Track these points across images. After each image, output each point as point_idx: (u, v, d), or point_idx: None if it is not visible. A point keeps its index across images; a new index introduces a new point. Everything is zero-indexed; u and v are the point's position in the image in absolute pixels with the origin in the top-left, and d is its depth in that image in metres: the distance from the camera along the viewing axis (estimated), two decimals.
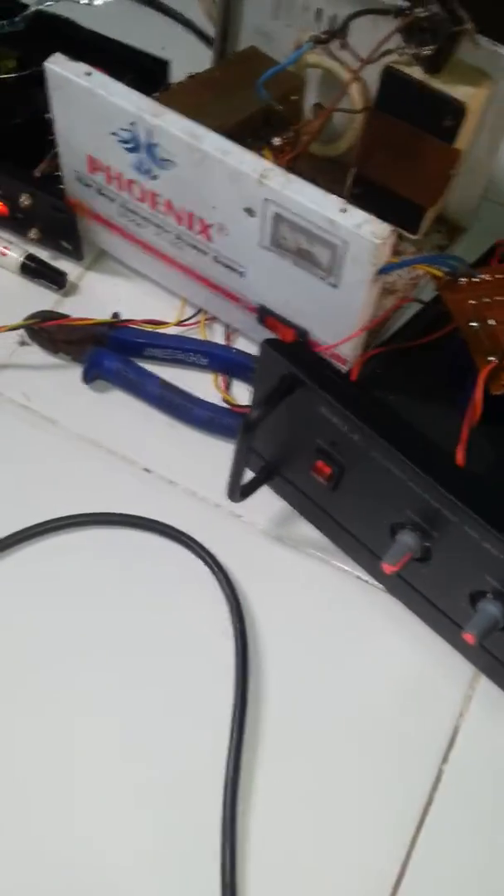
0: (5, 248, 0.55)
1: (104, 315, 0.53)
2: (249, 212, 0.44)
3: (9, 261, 0.55)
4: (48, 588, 0.45)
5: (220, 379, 0.52)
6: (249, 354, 0.52)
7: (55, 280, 0.55)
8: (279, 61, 0.52)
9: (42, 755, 0.41)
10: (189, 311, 0.54)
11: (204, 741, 0.41)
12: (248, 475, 0.46)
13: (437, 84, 0.46)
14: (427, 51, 0.45)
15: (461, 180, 0.50)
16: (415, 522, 0.39)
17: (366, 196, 0.50)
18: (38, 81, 0.52)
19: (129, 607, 0.45)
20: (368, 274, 0.42)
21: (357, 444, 0.40)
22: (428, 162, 0.49)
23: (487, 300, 0.44)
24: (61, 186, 0.54)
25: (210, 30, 0.62)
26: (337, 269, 0.43)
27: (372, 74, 0.49)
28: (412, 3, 0.45)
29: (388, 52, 0.47)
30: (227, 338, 0.54)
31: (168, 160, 0.46)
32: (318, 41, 0.48)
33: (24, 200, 0.54)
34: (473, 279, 0.45)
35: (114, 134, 0.47)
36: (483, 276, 0.45)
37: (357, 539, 0.44)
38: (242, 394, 0.52)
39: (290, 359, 0.40)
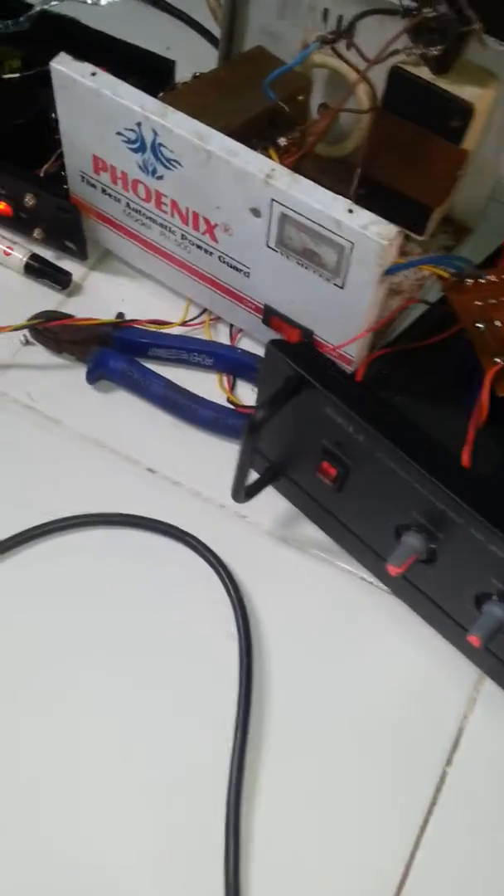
0: (9, 247, 0.55)
1: (108, 315, 0.53)
2: (255, 212, 0.44)
3: (13, 260, 0.55)
4: (52, 588, 0.45)
5: (225, 379, 0.52)
6: (254, 355, 0.52)
7: (59, 280, 0.55)
8: (285, 61, 0.52)
9: (45, 755, 0.40)
10: (194, 312, 0.54)
11: (208, 741, 0.41)
12: (253, 476, 0.46)
13: (444, 84, 0.46)
14: (435, 51, 0.45)
15: (468, 181, 0.50)
16: (420, 524, 0.39)
17: (372, 196, 0.50)
18: (42, 81, 0.52)
19: (132, 608, 0.45)
20: (375, 275, 0.42)
21: (362, 445, 0.39)
22: (435, 163, 0.48)
23: (494, 301, 0.44)
24: (66, 186, 0.54)
25: (215, 29, 0.62)
26: (343, 269, 0.43)
27: (379, 74, 0.48)
28: (420, 3, 0.45)
29: (396, 52, 0.46)
30: (232, 338, 0.54)
31: (173, 160, 0.46)
32: (325, 41, 0.48)
33: (29, 200, 0.54)
34: (480, 280, 0.44)
35: (119, 134, 0.47)
36: (490, 277, 0.45)
37: (362, 540, 0.44)
38: (247, 394, 0.52)
39: (296, 360, 0.40)
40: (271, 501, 0.48)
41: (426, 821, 0.40)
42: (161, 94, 0.49)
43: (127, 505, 0.47)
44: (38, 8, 0.59)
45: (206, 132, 0.44)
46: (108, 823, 0.39)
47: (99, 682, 0.42)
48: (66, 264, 0.55)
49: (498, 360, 0.41)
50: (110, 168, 0.49)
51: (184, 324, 0.53)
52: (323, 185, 0.42)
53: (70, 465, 0.49)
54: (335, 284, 0.44)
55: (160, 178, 0.47)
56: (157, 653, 0.44)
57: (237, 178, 0.43)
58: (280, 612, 0.45)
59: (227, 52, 0.58)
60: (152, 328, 0.52)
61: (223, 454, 0.49)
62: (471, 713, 0.43)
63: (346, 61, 0.49)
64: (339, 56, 0.49)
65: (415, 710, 0.43)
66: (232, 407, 0.50)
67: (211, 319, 0.54)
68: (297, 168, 0.45)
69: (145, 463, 0.49)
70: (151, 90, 0.46)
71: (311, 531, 0.48)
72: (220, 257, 0.49)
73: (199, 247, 0.49)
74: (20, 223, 0.55)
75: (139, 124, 0.45)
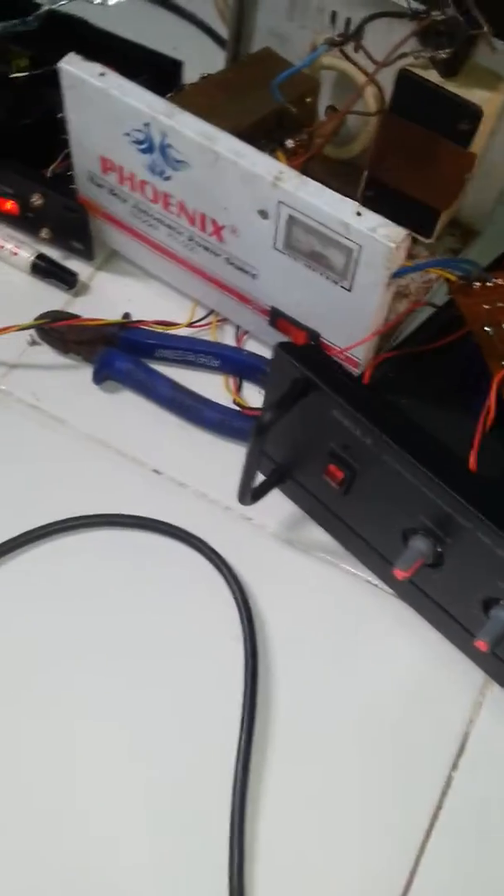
0: (16, 247, 0.55)
1: (115, 315, 0.53)
2: (263, 214, 0.44)
3: (20, 260, 0.55)
4: (55, 590, 0.45)
5: (231, 381, 0.52)
6: (261, 357, 0.52)
7: (66, 280, 0.55)
8: (293, 63, 0.52)
9: (49, 756, 0.40)
10: (200, 313, 0.54)
11: (213, 743, 0.41)
12: (259, 478, 0.45)
13: (452, 88, 0.46)
14: (443, 54, 0.45)
15: (476, 184, 0.50)
16: (427, 528, 0.39)
17: (379, 199, 0.50)
18: (50, 81, 0.52)
19: (137, 609, 0.45)
20: (382, 277, 0.42)
21: (370, 448, 0.39)
22: (443, 165, 0.48)
23: (501, 305, 0.44)
24: (73, 186, 0.54)
25: (222, 30, 0.62)
26: (351, 272, 0.43)
27: (387, 77, 0.48)
28: (429, 5, 0.45)
29: (404, 54, 0.46)
30: (239, 340, 0.53)
31: (181, 161, 0.46)
32: (334, 44, 0.48)
33: (36, 200, 0.54)
34: (487, 283, 0.44)
35: (127, 134, 0.47)
36: (497, 280, 0.45)
37: (368, 544, 0.44)
38: (253, 396, 0.52)
39: (303, 362, 0.40)
40: (277, 504, 0.48)
41: (431, 826, 0.40)
42: (169, 95, 0.49)
43: (132, 506, 0.47)
44: (45, 7, 0.59)
45: (214, 133, 0.44)
46: (111, 825, 0.39)
47: (102, 684, 0.42)
48: (73, 264, 0.55)
49: None
50: (118, 168, 0.49)
51: (190, 325, 0.53)
52: (330, 187, 0.42)
53: (75, 466, 0.49)
54: (342, 287, 0.44)
55: (168, 179, 0.47)
56: (161, 654, 0.43)
57: (245, 180, 0.43)
58: (285, 614, 0.45)
59: (234, 53, 0.58)
60: (159, 329, 0.52)
61: (229, 456, 0.49)
62: (476, 717, 0.43)
63: (355, 64, 0.49)
64: (348, 58, 0.49)
65: (420, 713, 0.43)
66: (238, 409, 0.50)
67: (217, 321, 0.54)
68: (304, 170, 0.44)
69: (151, 464, 0.49)
70: (159, 91, 0.46)
71: (317, 534, 0.47)
72: (227, 259, 0.49)
73: (206, 248, 0.49)
74: (27, 223, 0.55)
75: (147, 125, 0.45)
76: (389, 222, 0.41)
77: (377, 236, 0.40)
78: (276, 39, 0.56)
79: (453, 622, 0.42)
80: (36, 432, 0.50)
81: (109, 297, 0.55)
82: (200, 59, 0.59)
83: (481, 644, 0.38)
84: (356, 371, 0.47)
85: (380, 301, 0.43)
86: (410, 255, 0.46)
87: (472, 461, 0.39)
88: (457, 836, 0.40)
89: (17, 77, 0.59)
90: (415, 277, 0.52)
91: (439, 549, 0.39)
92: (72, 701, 0.42)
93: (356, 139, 0.54)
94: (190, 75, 0.58)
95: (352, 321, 0.45)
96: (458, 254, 0.55)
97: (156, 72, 0.56)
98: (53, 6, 0.59)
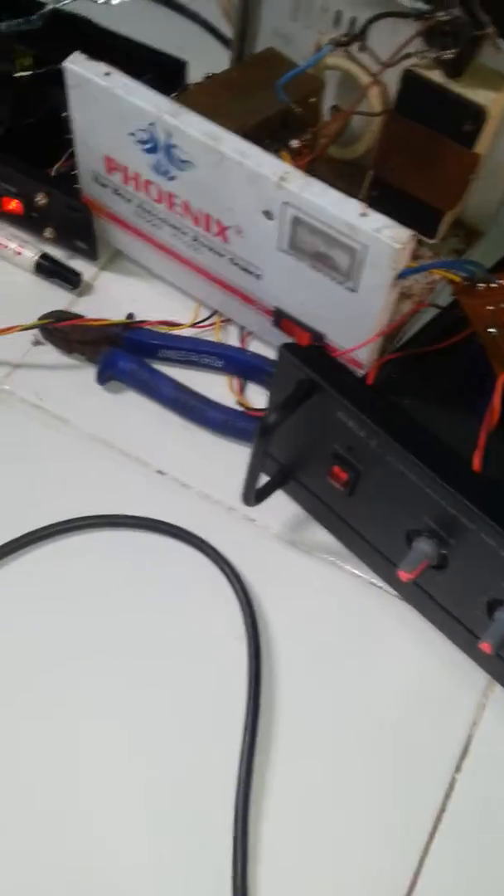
0: (20, 247, 0.55)
1: (118, 315, 0.53)
2: (267, 214, 0.44)
3: (23, 260, 0.55)
4: (59, 590, 0.45)
5: (235, 382, 0.52)
6: (264, 357, 0.52)
7: (70, 280, 0.55)
8: (297, 63, 0.52)
9: (52, 756, 0.40)
10: (204, 313, 0.54)
11: (216, 744, 0.41)
12: (263, 479, 0.45)
13: (457, 88, 0.46)
14: (448, 54, 0.45)
15: (480, 184, 0.50)
16: (432, 529, 0.39)
17: (383, 199, 0.50)
18: (54, 80, 0.52)
19: (140, 610, 0.45)
20: (387, 278, 0.42)
21: (374, 450, 0.39)
22: (447, 166, 0.48)
23: None
24: (77, 186, 0.54)
25: (226, 30, 0.62)
26: (355, 273, 0.43)
27: (391, 77, 0.48)
28: (433, 6, 0.45)
29: (409, 55, 0.46)
30: (242, 340, 0.53)
31: (186, 161, 0.45)
32: (339, 44, 0.48)
33: (40, 199, 0.54)
34: (491, 285, 0.44)
35: (132, 134, 0.47)
36: (501, 281, 0.44)
37: (372, 545, 0.44)
38: (257, 397, 0.52)
39: (309, 363, 0.40)
40: (280, 505, 0.48)
41: (435, 828, 0.40)
42: (173, 95, 0.49)
43: (135, 506, 0.47)
44: (50, 6, 0.59)
45: (220, 133, 0.44)
46: (114, 826, 0.39)
47: (105, 685, 0.42)
48: (77, 264, 0.55)
49: None
50: (122, 168, 0.49)
51: (194, 325, 0.53)
52: (334, 188, 0.42)
53: (78, 466, 0.49)
54: (347, 288, 0.44)
55: (172, 179, 0.47)
56: (164, 655, 0.43)
57: (250, 180, 0.43)
58: (288, 615, 0.45)
59: (239, 53, 0.58)
60: (162, 329, 0.52)
61: (232, 456, 0.48)
62: (480, 719, 0.43)
63: (360, 64, 0.49)
64: (352, 58, 0.49)
65: (423, 715, 0.43)
66: (241, 409, 0.50)
67: (221, 321, 0.54)
68: (308, 170, 0.44)
69: (154, 465, 0.49)
70: (163, 90, 0.46)
71: (320, 535, 0.47)
72: (231, 259, 0.49)
73: (210, 248, 0.49)
74: (31, 222, 0.55)
75: (152, 125, 0.45)
76: (395, 223, 0.41)
77: (382, 237, 0.40)
78: (280, 39, 0.56)
79: (457, 624, 0.42)
80: (39, 432, 0.50)
81: (113, 297, 0.55)
82: (204, 59, 0.59)
83: (485, 646, 0.38)
84: (360, 372, 0.47)
85: (384, 302, 0.43)
86: (414, 256, 0.46)
87: (477, 462, 0.39)
88: (460, 838, 0.40)
89: (21, 76, 0.59)
90: (418, 278, 0.52)
91: (443, 551, 0.39)
92: (75, 701, 0.42)
93: (360, 139, 0.54)
94: (194, 75, 0.58)
95: (356, 322, 0.45)
96: (462, 255, 0.55)
97: (160, 71, 0.56)
98: (57, 5, 0.59)
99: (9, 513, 0.47)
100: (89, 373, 0.51)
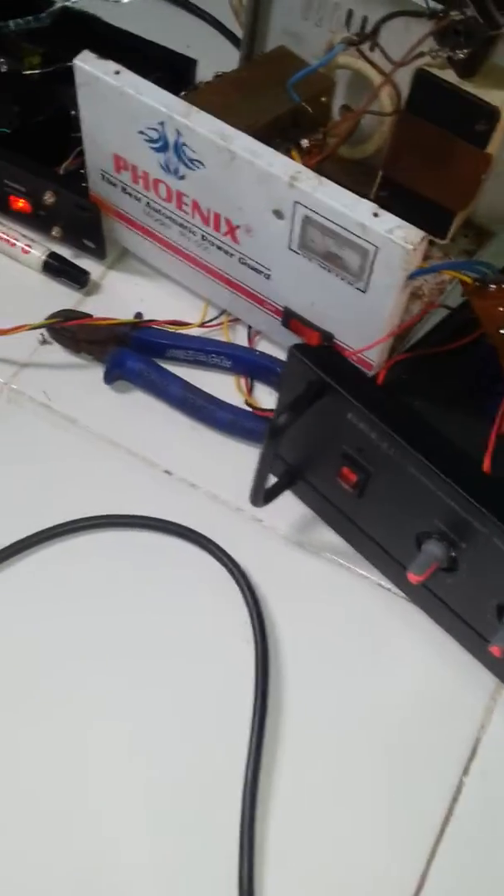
0: (27, 245, 0.55)
1: (126, 315, 0.53)
2: (278, 214, 0.44)
3: (31, 259, 0.55)
4: (66, 590, 0.45)
5: (243, 381, 0.52)
6: (273, 357, 0.51)
7: (77, 279, 0.55)
8: (308, 62, 0.52)
9: (60, 757, 0.40)
10: (212, 313, 0.54)
11: (223, 745, 0.41)
12: (270, 479, 0.45)
13: (470, 88, 0.46)
14: (461, 54, 0.45)
15: (491, 185, 0.50)
16: (442, 532, 0.39)
17: (393, 199, 0.49)
18: (62, 78, 0.52)
19: (147, 611, 0.44)
20: (399, 279, 0.42)
21: (385, 451, 0.39)
22: (459, 166, 0.48)
23: None
24: (85, 184, 0.53)
25: (236, 28, 0.62)
26: (366, 273, 0.42)
27: (403, 77, 0.48)
28: (447, 5, 0.45)
29: (421, 54, 0.46)
30: (251, 340, 0.53)
31: (196, 160, 0.45)
32: (351, 43, 0.47)
33: (48, 198, 0.53)
34: (503, 286, 0.44)
35: (141, 133, 0.46)
36: None
37: (381, 547, 0.44)
38: (265, 397, 0.52)
39: (319, 364, 0.40)
40: (288, 505, 0.47)
41: (442, 831, 0.40)
42: (183, 94, 0.49)
43: (142, 507, 0.47)
44: (59, 4, 0.59)
45: (230, 133, 0.44)
46: (121, 826, 0.39)
47: (112, 685, 0.42)
48: (85, 263, 0.55)
49: None
50: (131, 167, 0.49)
51: (202, 325, 0.53)
52: (343, 187, 0.42)
53: (86, 466, 0.49)
54: (357, 288, 0.44)
55: (182, 177, 0.47)
56: (171, 655, 0.43)
57: (261, 180, 0.43)
58: (296, 616, 0.45)
59: (249, 51, 0.58)
60: (170, 329, 0.52)
61: (240, 457, 0.48)
62: (488, 722, 0.43)
63: (372, 63, 0.49)
64: (364, 57, 0.49)
65: (431, 718, 0.43)
66: (250, 409, 0.50)
67: (229, 321, 0.53)
68: (317, 169, 0.44)
69: (162, 465, 0.49)
70: (172, 89, 0.46)
71: (328, 536, 0.47)
72: (240, 259, 0.48)
73: (219, 248, 0.49)
74: (39, 221, 0.55)
75: (162, 123, 0.45)
76: (406, 224, 0.40)
77: (394, 238, 0.40)
78: (290, 38, 0.55)
79: (466, 627, 0.42)
80: (48, 432, 0.50)
81: (121, 296, 0.55)
82: (214, 57, 0.59)
83: (495, 650, 0.38)
84: (370, 373, 0.46)
85: (395, 303, 0.43)
86: (425, 257, 0.46)
87: (487, 464, 0.39)
88: (467, 841, 0.40)
89: (29, 74, 0.59)
90: (428, 279, 0.51)
91: (453, 554, 0.39)
92: (78, 701, 0.42)
93: (370, 139, 0.54)
94: (203, 73, 0.57)
95: (366, 323, 0.45)
96: (472, 255, 0.54)
97: (169, 70, 0.56)
98: (67, 3, 0.59)
99: (17, 512, 0.47)
100: (97, 372, 0.51)
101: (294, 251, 0.45)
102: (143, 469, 0.49)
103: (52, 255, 0.55)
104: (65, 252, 0.55)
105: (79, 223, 0.54)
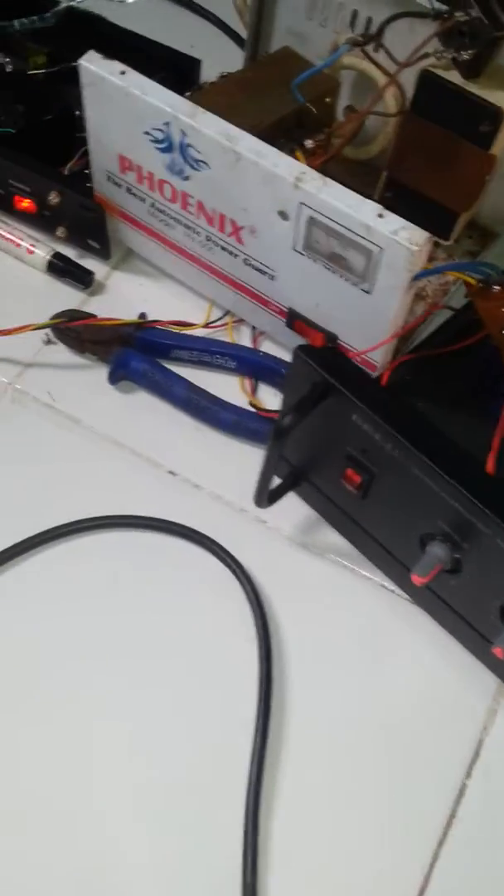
0: (32, 245, 0.55)
1: (130, 315, 0.53)
2: (283, 215, 0.44)
3: (36, 259, 0.55)
4: (69, 590, 0.45)
5: (247, 382, 0.52)
6: (277, 358, 0.51)
7: (82, 279, 0.55)
8: (312, 62, 0.52)
9: (63, 756, 0.40)
10: (216, 313, 0.54)
11: (226, 745, 0.41)
12: (274, 480, 0.45)
13: (474, 89, 0.46)
14: (466, 55, 0.45)
15: (495, 186, 0.49)
16: (446, 533, 0.39)
17: (397, 200, 0.49)
18: (67, 78, 0.52)
19: (150, 611, 0.44)
20: (403, 280, 0.42)
21: (389, 453, 0.39)
22: (463, 167, 0.48)
23: None
24: (90, 185, 0.53)
25: (240, 28, 0.62)
26: (371, 274, 0.42)
27: (408, 77, 0.48)
28: (452, 6, 0.45)
29: (426, 55, 0.46)
30: (255, 341, 0.53)
31: (201, 161, 0.45)
32: (356, 43, 0.48)
33: (53, 198, 0.53)
34: None
35: (147, 133, 0.46)
36: None
37: (384, 548, 0.44)
38: (269, 397, 0.52)
39: (324, 365, 0.40)
40: (292, 506, 0.47)
41: (445, 832, 0.40)
42: (188, 94, 0.49)
43: (146, 507, 0.47)
44: (64, 4, 0.59)
45: (236, 133, 0.44)
46: (122, 826, 0.39)
47: (115, 685, 0.42)
48: (89, 263, 0.55)
49: None
50: (136, 167, 0.49)
51: (206, 325, 0.53)
52: (347, 188, 0.42)
53: (90, 466, 0.49)
54: (362, 289, 0.44)
55: (187, 178, 0.47)
56: (174, 656, 0.43)
57: (266, 181, 0.43)
58: (299, 617, 0.45)
59: (253, 52, 0.58)
60: (175, 329, 0.52)
61: (244, 458, 0.48)
62: (491, 724, 0.43)
63: (376, 64, 0.49)
64: (369, 59, 0.49)
65: (434, 719, 0.43)
66: (254, 410, 0.50)
67: (233, 322, 0.53)
68: (321, 170, 0.44)
69: (166, 465, 0.49)
70: (176, 89, 0.46)
71: (331, 537, 0.47)
72: (245, 259, 0.48)
73: (224, 248, 0.49)
74: (43, 221, 0.55)
75: (168, 124, 0.45)
76: (411, 225, 0.40)
77: (399, 239, 0.40)
78: (295, 38, 0.55)
79: (470, 629, 0.42)
80: (52, 432, 0.50)
81: (125, 296, 0.55)
82: (218, 58, 0.59)
83: (499, 651, 0.38)
84: (373, 374, 0.46)
85: (400, 304, 0.43)
86: (429, 258, 0.46)
87: (491, 465, 0.39)
88: (470, 843, 0.40)
89: (34, 74, 0.59)
90: (431, 280, 0.51)
91: (457, 556, 0.39)
92: (84, 700, 0.42)
93: (374, 140, 0.54)
94: (207, 74, 0.57)
95: (371, 324, 0.45)
96: (476, 256, 0.54)
97: (173, 70, 0.56)
98: (72, 3, 0.59)
99: (20, 512, 0.47)
100: (101, 373, 0.51)
101: (299, 252, 0.45)
102: (147, 469, 0.49)
103: (57, 256, 0.55)
104: (69, 252, 0.55)
105: (83, 223, 0.54)
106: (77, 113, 0.53)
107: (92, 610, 0.44)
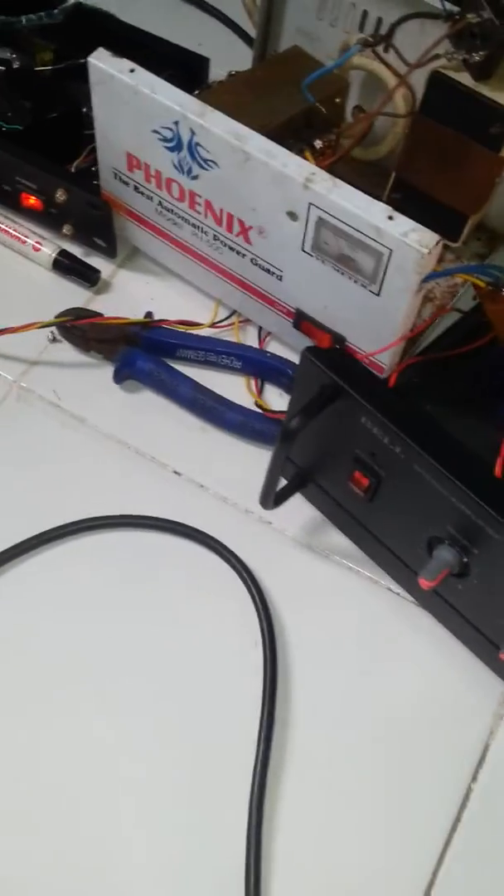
0: (38, 243, 0.55)
1: (136, 314, 0.52)
2: (292, 215, 0.44)
3: (41, 256, 0.55)
4: (73, 590, 0.45)
5: (253, 383, 0.52)
6: (283, 359, 0.51)
7: (87, 277, 0.54)
8: (322, 62, 0.51)
9: (63, 757, 0.40)
10: (223, 313, 0.53)
11: (230, 747, 0.41)
12: (281, 482, 0.45)
13: (485, 91, 0.46)
14: (477, 57, 0.45)
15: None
16: (453, 537, 0.39)
17: (405, 201, 0.49)
18: (74, 74, 0.52)
19: (154, 611, 0.44)
20: (412, 283, 0.41)
21: (398, 456, 0.39)
22: (472, 169, 0.48)
23: None
24: (97, 182, 0.53)
25: (248, 26, 0.62)
26: (380, 276, 0.42)
27: (418, 78, 0.48)
28: (463, 7, 0.44)
29: (437, 56, 0.46)
30: (261, 341, 0.53)
31: (210, 160, 0.45)
32: (367, 44, 0.47)
33: (59, 196, 0.53)
34: None
35: (155, 132, 0.46)
36: None
37: (391, 551, 0.44)
38: (275, 398, 0.51)
39: (333, 368, 0.40)
40: (297, 508, 0.47)
41: (450, 837, 0.40)
42: (196, 93, 0.48)
43: (151, 507, 0.47)
44: (71, 1, 0.59)
45: (245, 133, 0.43)
46: (125, 829, 0.39)
47: (118, 686, 0.42)
48: (95, 261, 0.55)
49: None
50: (144, 166, 0.49)
51: (213, 325, 0.53)
52: (356, 189, 0.42)
53: (94, 465, 0.49)
54: (371, 291, 0.43)
55: (195, 177, 0.47)
56: (178, 655, 0.43)
57: (275, 181, 0.43)
58: (304, 620, 0.45)
59: (262, 51, 0.57)
60: (181, 329, 0.52)
61: (250, 458, 0.48)
62: (497, 729, 0.42)
63: (387, 65, 0.49)
64: (380, 59, 0.49)
65: (440, 724, 0.43)
66: (260, 411, 0.50)
67: (240, 322, 0.53)
68: (330, 171, 0.44)
69: (171, 465, 0.49)
70: (185, 87, 0.46)
71: (337, 539, 0.47)
72: (252, 259, 0.48)
73: (231, 248, 0.49)
74: (50, 218, 0.55)
75: (176, 123, 0.45)
76: (421, 227, 0.40)
77: (409, 241, 0.40)
78: (304, 38, 0.55)
79: (477, 633, 0.42)
80: (57, 431, 0.49)
81: (131, 295, 0.55)
82: (226, 56, 0.59)
83: None
84: (381, 376, 0.46)
85: (408, 306, 0.43)
86: (438, 260, 0.45)
87: (499, 468, 0.39)
88: (476, 847, 0.40)
89: (42, 70, 0.59)
90: (440, 282, 0.51)
91: (465, 559, 0.39)
92: (86, 701, 0.42)
93: (383, 141, 0.54)
94: (215, 72, 0.57)
95: (379, 325, 0.44)
96: (484, 258, 0.54)
97: (182, 68, 0.56)
98: None
99: (24, 512, 0.46)
100: (107, 371, 0.51)
101: (307, 253, 0.45)
102: (152, 469, 0.49)
103: (63, 253, 0.54)
104: (75, 250, 0.55)
105: (90, 221, 0.54)
106: (84, 110, 0.53)
107: (95, 610, 0.44)
